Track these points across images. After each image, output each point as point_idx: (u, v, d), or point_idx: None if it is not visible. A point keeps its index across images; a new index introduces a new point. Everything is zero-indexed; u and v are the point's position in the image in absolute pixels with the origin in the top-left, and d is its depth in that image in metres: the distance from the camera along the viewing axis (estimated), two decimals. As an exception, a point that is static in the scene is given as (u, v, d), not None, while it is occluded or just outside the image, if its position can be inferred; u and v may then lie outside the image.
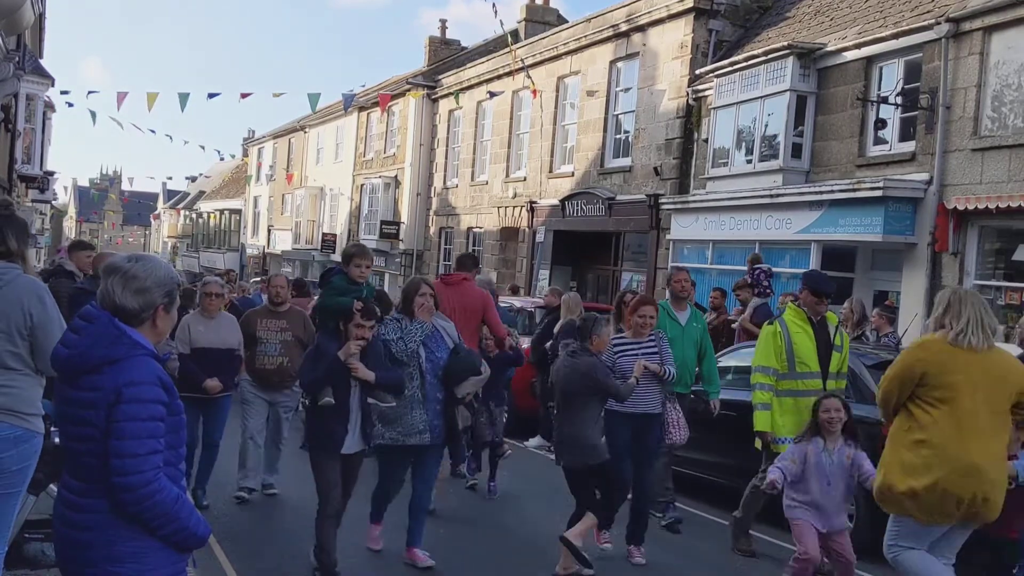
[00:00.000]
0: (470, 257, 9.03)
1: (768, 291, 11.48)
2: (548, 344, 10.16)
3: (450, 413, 6.07)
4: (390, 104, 27.01)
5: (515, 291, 18.88)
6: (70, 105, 22.90)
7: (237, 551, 6.34)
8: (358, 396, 5.61)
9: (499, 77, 23.96)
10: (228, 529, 6.78)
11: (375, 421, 5.84)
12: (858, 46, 13.54)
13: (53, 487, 5.31)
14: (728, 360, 8.88)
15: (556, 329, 10.28)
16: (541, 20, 27.37)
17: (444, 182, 27.30)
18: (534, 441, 11.04)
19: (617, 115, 19.61)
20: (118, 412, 2.75)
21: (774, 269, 12.81)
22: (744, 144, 15.33)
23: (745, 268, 12.38)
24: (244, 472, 7.80)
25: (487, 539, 7.28)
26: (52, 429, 4.89)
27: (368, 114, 31.70)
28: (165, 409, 2.86)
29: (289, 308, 8.09)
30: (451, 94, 25.62)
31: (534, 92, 20.85)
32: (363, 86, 32.84)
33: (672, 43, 17.69)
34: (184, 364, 7.17)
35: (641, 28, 18.56)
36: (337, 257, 33.37)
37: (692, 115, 17.09)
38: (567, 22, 24.53)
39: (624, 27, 18.99)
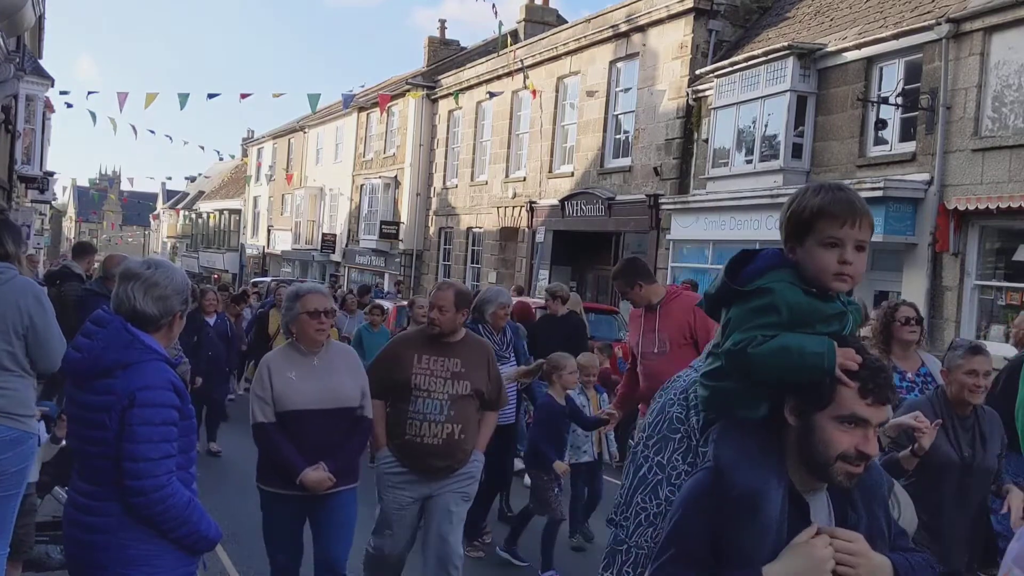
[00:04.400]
0: (638, 262, 5.49)
1: None
2: None
3: None
4: (390, 104, 27.03)
5: (520, 291, 18.88)
6: (69, 106, 22.93)
7: (240, 553, 6.35)
8: None
9: (499, 77, 23.97)
10: (230, 531, 6.75)
11: None
12: (858, 46, 13.55)
13: (59, 490, 5.33)
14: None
15: None
16: (540, 20, 27.41)
17: (444, 182, 27.31)
18: None
19: (617, 115, 19.61)
20: (132, 416, 2.77)
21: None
22: (744, 144, 15.34)
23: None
24: None
25: None
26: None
27: (368, 114, 31.70)
28: (178, 414, 2.88)
29: (464, 336, 4.88)
30: (451, 94, 25.63)
31: (533, 92, 20.87)
32: (363, 86, 32.85)
33: (672, 43, 17.70)
34: (267, 439, 4.29)
35: (641, 28, 18.57)
36: (337, 257, 33.76)
37: (692, 115, 17.10)
38: (566, 22, 24.54)
39: (624, 27, 19.00)
